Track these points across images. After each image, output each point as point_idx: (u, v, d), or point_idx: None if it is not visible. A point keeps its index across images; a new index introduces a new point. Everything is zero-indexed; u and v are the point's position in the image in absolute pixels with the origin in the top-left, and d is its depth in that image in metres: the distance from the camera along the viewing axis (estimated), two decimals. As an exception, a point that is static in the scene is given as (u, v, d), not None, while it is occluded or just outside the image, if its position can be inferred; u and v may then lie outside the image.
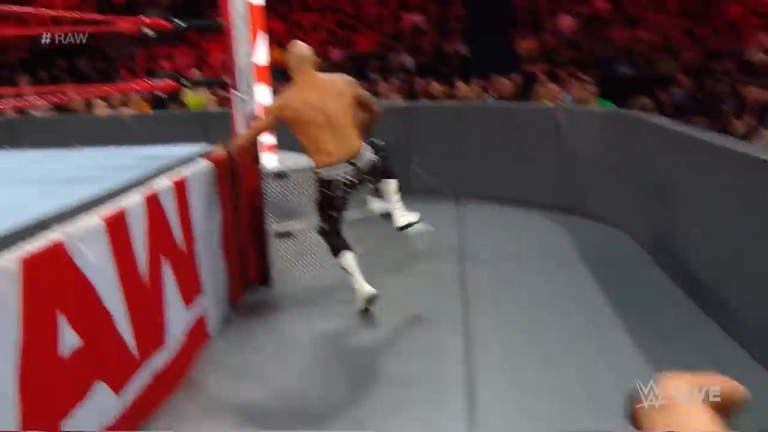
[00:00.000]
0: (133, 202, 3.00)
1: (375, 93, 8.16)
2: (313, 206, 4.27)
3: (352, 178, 4.10)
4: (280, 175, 4.64)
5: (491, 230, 5.81)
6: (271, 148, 4.80)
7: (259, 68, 4.61)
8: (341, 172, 4.07)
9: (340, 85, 4.10)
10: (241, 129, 4.57)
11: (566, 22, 10.16)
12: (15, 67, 12.54)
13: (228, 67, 4.66)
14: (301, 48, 4.12)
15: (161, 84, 4.56)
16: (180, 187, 3.52)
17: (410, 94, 8.25)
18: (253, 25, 4.55)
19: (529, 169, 6.58)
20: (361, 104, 4.18)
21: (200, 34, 11.70)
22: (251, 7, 4.52)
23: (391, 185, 4.30)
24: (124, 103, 7.87)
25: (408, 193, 6.92)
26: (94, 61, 12.80)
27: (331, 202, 4.13)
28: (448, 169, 7.08)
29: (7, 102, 3.78)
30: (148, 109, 7.83)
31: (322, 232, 4.25)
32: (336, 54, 10.84)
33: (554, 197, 6.39)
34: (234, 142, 4.26)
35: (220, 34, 4.60)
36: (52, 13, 4.33)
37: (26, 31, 10.90)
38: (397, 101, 7.77)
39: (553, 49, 9.61)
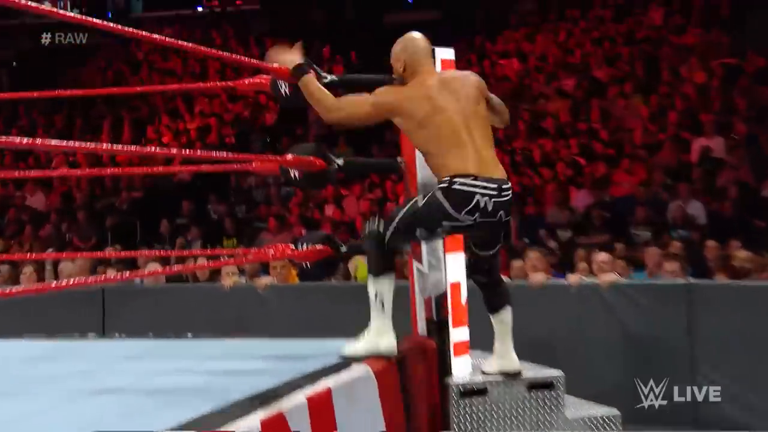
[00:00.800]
0: (246, 428, 3.04)
1: (637, 261, 8.02)
2: (402, 216, 4.28)
3: (496, 205, 4.15)
4: (475, 391, 4.62)
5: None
6: (461, 347, 4.83)
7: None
8: (482, 190, 4.11)
9: (474, 82, 4.43)
10: (419, 308, 4.70)
11: None
12: (126, 212, 13.74)
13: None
14: (419, 40, 4.44)
15: (308, 251, 4.75)
16: (320, 406, 3.56)
17: (698, 264, 8.04)
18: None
19: None
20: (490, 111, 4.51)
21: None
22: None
23: None
24: (262, 268, 8.27)
25: (692, 427, 6.65)
26: (231, 205, 13.74)
27: (437, 225, 4.21)
28: (760, 387, 6.70)
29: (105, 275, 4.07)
30: (294, 278, 8.15)
31: (378, 239, 4.28)
32: (580, 198, 10.93)
33: None
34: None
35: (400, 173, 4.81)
36: (174, 152, 4.72)
37: (145, 169, 12.12)
38: (676, 275, 7.56)
39: None
